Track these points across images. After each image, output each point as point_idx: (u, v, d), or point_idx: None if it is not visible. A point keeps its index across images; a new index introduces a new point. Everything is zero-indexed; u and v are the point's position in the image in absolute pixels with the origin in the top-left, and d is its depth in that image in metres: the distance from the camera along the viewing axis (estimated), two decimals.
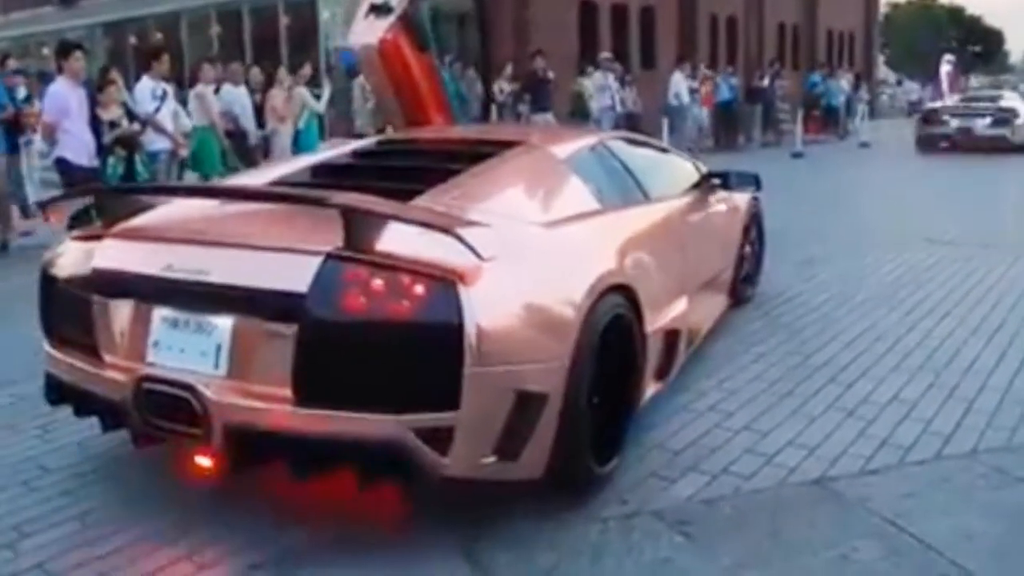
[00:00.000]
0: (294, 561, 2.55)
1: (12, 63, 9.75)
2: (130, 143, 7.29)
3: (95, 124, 6.93)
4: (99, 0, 21.63)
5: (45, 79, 10.32)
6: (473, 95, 13.79)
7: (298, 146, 9.42)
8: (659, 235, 3.78)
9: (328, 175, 3.60)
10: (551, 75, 13.12)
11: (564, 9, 17.66)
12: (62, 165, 6.79)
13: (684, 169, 4.81)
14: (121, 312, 2.77)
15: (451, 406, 2.40)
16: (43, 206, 3.25)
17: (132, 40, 20.81)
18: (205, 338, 2.59)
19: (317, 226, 2.55)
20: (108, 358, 2.79)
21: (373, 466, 2.46)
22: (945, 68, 22.55)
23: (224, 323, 2.56)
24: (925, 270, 6.24)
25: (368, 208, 2.52)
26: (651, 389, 3.43)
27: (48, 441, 3.45)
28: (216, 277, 2.58)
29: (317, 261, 2.46)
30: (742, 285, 5.23)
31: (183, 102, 8.66)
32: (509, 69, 14.23)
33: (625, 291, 3.06)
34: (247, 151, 9.28)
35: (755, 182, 5.06)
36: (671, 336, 3.59)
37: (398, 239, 2.49)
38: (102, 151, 7.02)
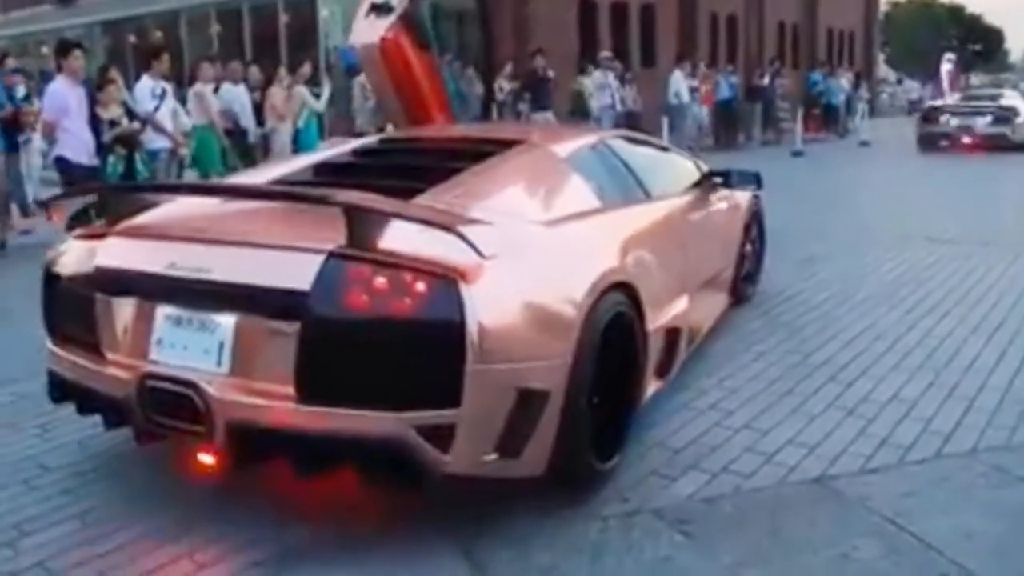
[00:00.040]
0: (296, 559, 2.55)
1: (11, 62, 9.74)
2: (130, 142, 7.28)
3: (95, 123, 6.92)
4: None
5: (46, 78, 10.31)
6: (473, 94, 13.79)
7: (298, 145, 9.42)
8: (660, 233, 3.78)
9: (330, 174, 3.61)
10: (551, 74, 13.12)
11: (564, 7, 17.66)
12: (61, 164, 6.79)
13: (685, 168, 4.81)
14: (124, 310, 2.78)
15: (453, 403, 2.41)
16: (46, 204, 3.25)
17: (131, 39, 20.79)
18: (208, 336, 2.59)
19: (319, 224, 2.56)
20: (111, 356, 2.80)
21: (375, 463, 2.47)
22: (946, 67, 22.57)
23: (227, 321, 2.57)
24: (925, 268, 6.24)
25: (370, 206, 2.53)
26: (652, 387, 3.43)
27: (48, 440, 3.45)
28: (219, 275, 2.59)
29: (320, 259, 2.46)
30: (743, 284, 5.24)
31: (183, 101, 8.66)
32: (509, 68, 14.23)
33: (626, 289, 3.06)
34: (247, 150, 9.28)
35: (756, 180, 5.06)
36: (672, 334, 3.60)
37: (400, 237, 2.50)
38: (102, 150, 7.01)
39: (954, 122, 16.13)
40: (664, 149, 5.15)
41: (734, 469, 3.10)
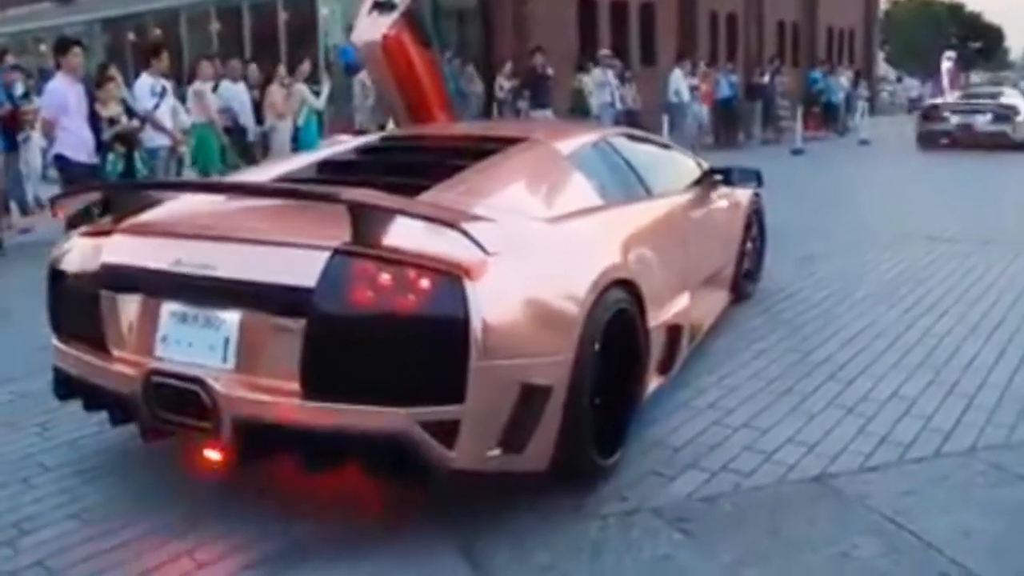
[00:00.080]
0: (298, 556, 2.55)
1: (10, 59, 9.73)
2: (129, 140, 7.28)
3: (94, 121, 6.91)
4: None
5: (45, 76, 10.30)
6: (473, 92, 13.78)
7: (297, 143, 9.42)
8: (662, 231, 3.80)
9: (334, 171, 3.63)
10: (550, 71, 13.11)
11: (564, 6, 17.64)
12: (61, 162, 6.78)
13: (686, 165, 4.82)
14: (130, 307, 2.80)
15: (457, 399, 2.42)
16: (52, 202, 3.27)
17: (131, 36, 20.77)
18: (213, 332, 2.61)
19: (324, 221, 2.58)
20: (117, 352, 2.82)
21: (380, 459, 2.48)
22: (946, 65, 22.56)
23: (232, 317, 2.59)
24: (925, 267, 6.24)
25: (375, 203, 2.55)
26: (654, 383, 3.46)
27: (48, 439, 3.45)
28: (224, 272, 2.60)
29: (325, 256, 2.48)
30: (744, 281, 5.24)
31: (182, 99, 8.65)
32: (508, 66, 14.22)
33: (628, 286, 3.08)
34: (246, 148, 9.28)
35: (757, 178, 5.06)
36: (673, 331, 3.62)
37: (405, 234, 2.52)
38: (101, 148, 7.00)
39: (954, 120, 16.13)
40: (665, 147, 5.15)
41: (733, 467, 3.10)
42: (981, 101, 16.98)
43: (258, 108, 9.50)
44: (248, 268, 2.60)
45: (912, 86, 35.75)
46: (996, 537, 2.64)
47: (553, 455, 2.72)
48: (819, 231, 7.70)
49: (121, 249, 2.87)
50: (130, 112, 7.52)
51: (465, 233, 2.46)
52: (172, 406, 2.63)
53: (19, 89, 9.07)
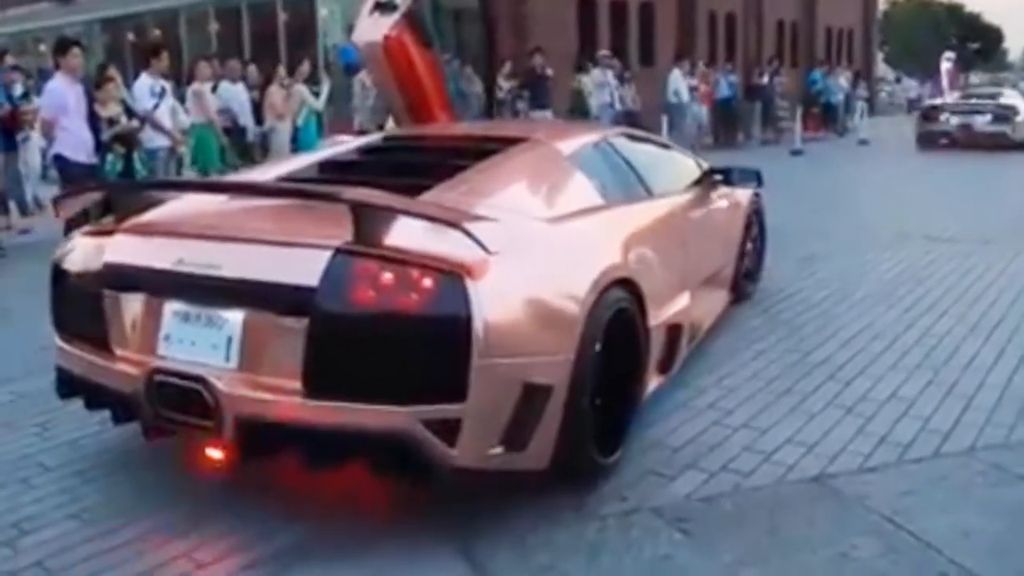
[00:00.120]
0: (298, 556, 2.55)
1: (9, 60, 9.73)
2: (129, 140, 7.28)
3: (93, 121, 6.91)
4: None
5: (44, 76, 10.30)
6: (472, 92, 13.77)
7: (297, 143, 9.42)
8: (662, 230, 3.81)
9: (335, 171, 3.64)
10: (550, 72, 13.11)
11: (563, 6, 17.64)
12: (60, 162, 6.78)
13: (686, 165, 4.83)
14: (132, 306, 2.81)
15: (459, 398, 2.43)
16: (54, 202, 3.28)
17: (130, 37, 20.76)
18: (216, 331, 2.62)
19: (326, 221, 2.59)
20: (119, 351, 2.83)
21: (383, 457, 2.49)
22: (945, 65, 22.54)
23: (235, 316, 2.59)
24: (924, 267, 6.24)
25: (377, 203, 2.56)
26: (654, 383, 3.47)
27: (47, 438, 3.45)
28: (227, 271, 2.61)
29: (327, 255, 2.49)
30: (744, 281, 5.24)
31: (181, 99, 8.65)
32: (508, 66, 14.22)
33: (629, 285, 3.09)
34: (245, 148, 9.28)
35: (757, 178, 5.07)
36: (674, 330, 3.62)
37: (407, 233, 2.53)
38: (100, 148, 7.00)
39: (954, 120, 16.14)
40: (665, 147, 5.16)
41: (733, 468, 3.10)
42: (980, 101, 16.99)
43: (257, 109, 9.50)
44: (250, 267, 2.61)
45: (911, 86, 35.74)
46: (995, 537, 2.64)
47: (554, 453, 2.73)
48: (818, 231, 7.70)
49: (124, 248, 2.88)
50: (129, 112, 7.52)
51: (467, 233, 2.47)
52: (175, 405, 2.63)
53: (18, 89, 9.07)
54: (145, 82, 7.80)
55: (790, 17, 27.17)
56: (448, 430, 2.44)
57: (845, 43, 31.18)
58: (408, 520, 2.75)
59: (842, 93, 20.70)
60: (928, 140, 16.22)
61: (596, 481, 2.93)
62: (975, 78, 44.65)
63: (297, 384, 2.48)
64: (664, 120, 14.85)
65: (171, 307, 2.71)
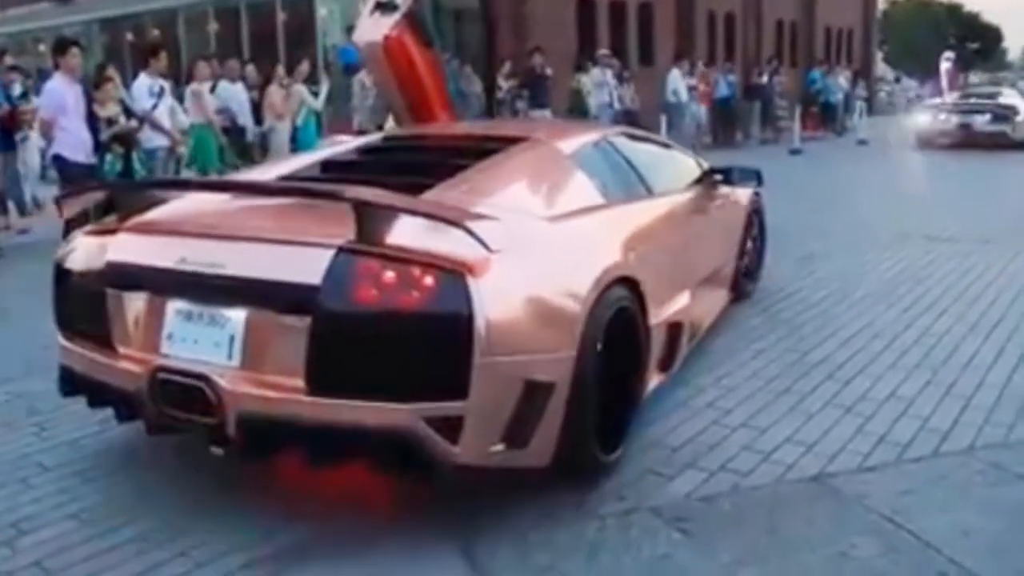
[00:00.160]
0: (298, 555, 2.55)
1: (8, 60, 9.73)
2: (127, 140, 7.28)
3: (92, 121, 6.91)
4: None
5: (43, 76, 10.30)
6: (472, 92, 13.77)
7: (296, 143, 9.42)
8: (662, 229, 3.82)
9: (336, 171, 3.64)
10: (549, 71, 13.11)
11: (562, 5, 17.64)
12: (59, 162, 6.78)
13: (686, 164, 4.84)
14: (135, 305, 2.82)
15: (461, 395, 2.44)
16: (56, 202, 3.29)
17: (129, 37, 20.73)
18: (218, 330, 2.63)
19: (329, 220, 2.59)
20: (122, 350, 2.83)
21: (385, 455, 2.49)
22: (945, 65, 22.54)
23: (237, 315, 2.60)
24: (923, 267, 6.24)
25: (379, 202, 2.57)
26: (654, 381, 3.49)
27: (46, 439, 3.44)
28: (230, 270, 2.62)
29: (330, 254, 2.50)
30: (743, 280, 5.25)
31: (180, 99, 8.65)
32: (507, 66, 14.22)
33: (629, 284, 3.11)
34: (244, 148, 9.28)
35: (757, 177, 5.07)
36: (674, 329, 3.64)
37: (408, 232, 2.54)
38: (99, 148, 7.00)
39: (953, 120, 16.13)
40: (666, 146, 5.17)
41: (732, 467, 3.10)
42: (980, 101, 16.99)
43: (257, 108, 9.50)
44: (253, 266, 2.61)
45: (910, 86, 35.74)
46: (995, 536, 2.64)
47: (556, 451, 2.74)
48: (818, 231, 7.70)
49: (126, 247, 2.89)
50: (128, 112, 7.53)
51: (468, 231, 2.49)
52: (177, 402, 2.64)
53: (17, 89, 9.07)
54: (144, 82, 7.80)
55: (789, 17, 27.17)
56: (450, 427, 2.45)
57: (844, 43, 31.18)
58: (409, 518, 2.75)
59: (841, 93, 20.69)
60: (927, 140, 16.22)
61: (597, 479, 2.94)
62: (974, 78, 44.66)
63: (300, 382, 2.48)
64: (663, 119, 14.85)
65: (174, 305, 2.72)
